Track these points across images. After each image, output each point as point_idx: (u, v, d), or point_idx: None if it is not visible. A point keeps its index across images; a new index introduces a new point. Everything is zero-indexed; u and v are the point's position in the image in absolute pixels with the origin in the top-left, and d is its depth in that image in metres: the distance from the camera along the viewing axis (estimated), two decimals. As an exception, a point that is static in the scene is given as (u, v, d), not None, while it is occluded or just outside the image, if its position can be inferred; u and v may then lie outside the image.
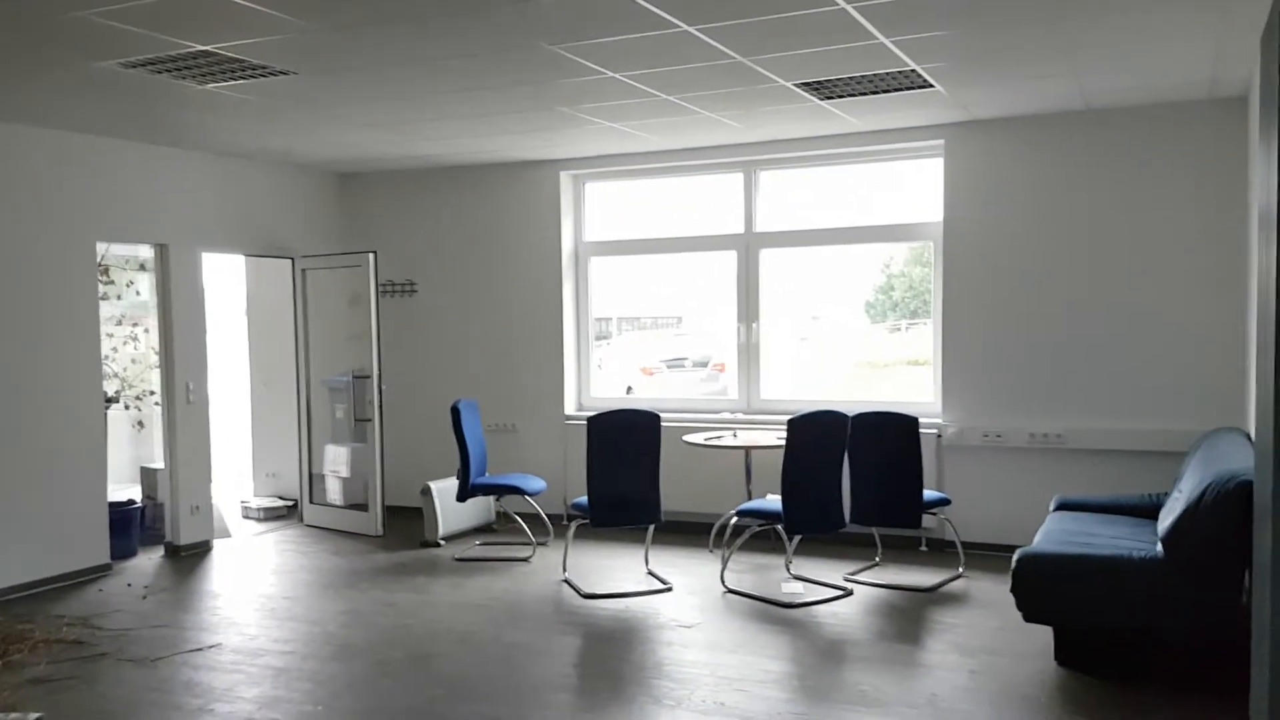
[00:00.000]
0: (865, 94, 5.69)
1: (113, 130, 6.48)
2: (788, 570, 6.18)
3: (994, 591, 5.79)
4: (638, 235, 8.05)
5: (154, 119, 6.13)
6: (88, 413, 6.62)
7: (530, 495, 6.92)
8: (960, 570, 6.20)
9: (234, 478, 9.13)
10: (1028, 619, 4.57)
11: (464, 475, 6.89)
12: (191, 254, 7.31)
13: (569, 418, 7.94)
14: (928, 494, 6.07)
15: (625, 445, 5.86)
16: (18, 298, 6.19)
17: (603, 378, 8.34)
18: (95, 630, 5.44)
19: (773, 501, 5.89)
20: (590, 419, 5.86)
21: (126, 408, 8.08)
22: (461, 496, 6.93)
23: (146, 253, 7.60)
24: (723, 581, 6.02)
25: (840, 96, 5.73)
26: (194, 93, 5.35)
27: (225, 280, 8.90)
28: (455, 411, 6.92)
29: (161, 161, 7.07)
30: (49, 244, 6.37)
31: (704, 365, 12.18)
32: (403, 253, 8.46)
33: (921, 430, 5.94)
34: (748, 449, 6.55)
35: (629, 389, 8.67)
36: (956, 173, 6.74)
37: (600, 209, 8.18)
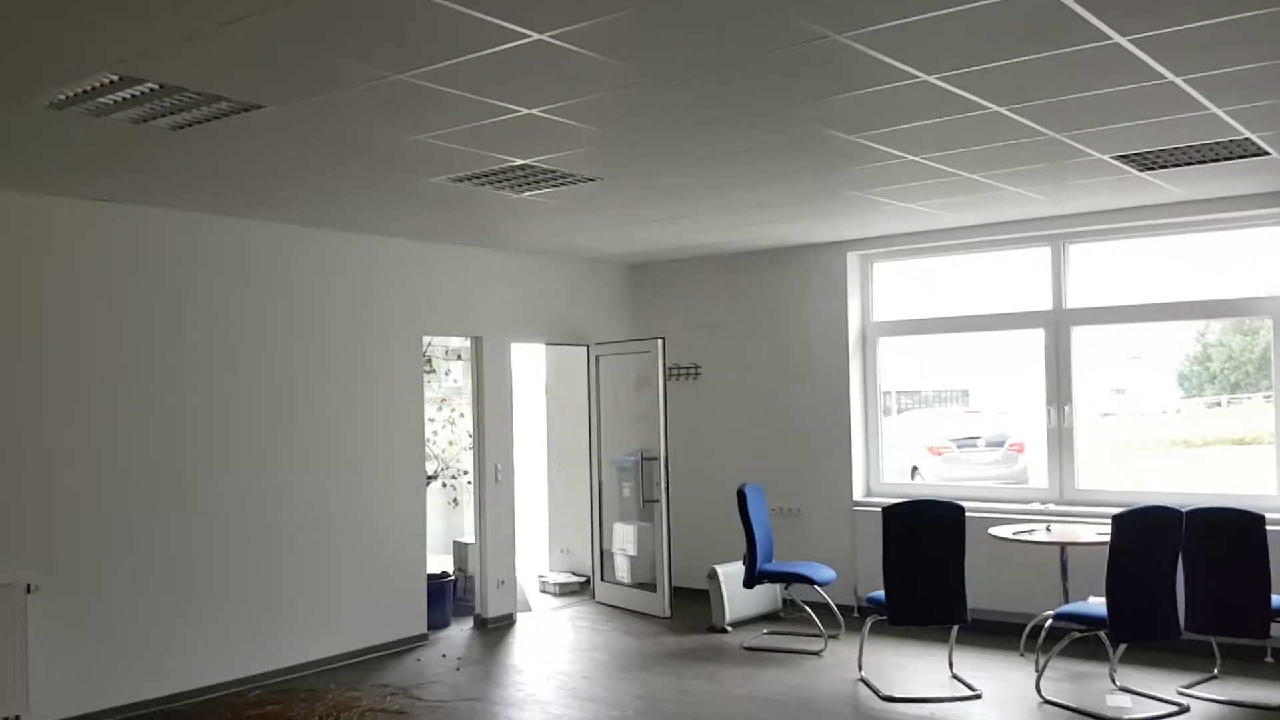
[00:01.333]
0: (1190, 164, 5.23)
1: (436, 235, 7.12)
2: (1112, 681, 5.61)
3: (1372, 722, 4.98)
4: (932, 314, 7.78)
5: (474, 224, 6.68)
6: (410, 491, 7.19)
7: (820, 585, 6.75)
8: (1323, 692, 5.39)
9: (533, 553, 9.58)
10: None
11: (750, 561, 6.85)
12: (502, 343, 7.84)
13: (857, 503, 7.72)
14: (1276, 599, 5.34)
15: (926, 538, 5.60)
16: (354, 386, 6.87)
17: (885, 457, 8.06)
18: (415, 700, 5.82)
19: (1095, 605, 5.40)
20: (887, 509, 5.65)
21: (444, 486, 8.71)
22: (749, 583, 6.87)
23: (461, 343, 8.22)
24: (1039, 691, 5.55)
25: (1163, 167, 5.30)
26: (510, 201, 5.77)
27: (528, 367, 9.47)
28: (741, 495, 6.91)
29: (476, 261, 7.68)
30: (382, 337, 7.04)
31: (999, 445, 11.30)
32: (688, 337, 8.65)
33: (1268, 526, 5.26)
34: (1064, 545, 6.07)
35: (914, 470, 8.33)
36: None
37: (890, 287, 8.00)
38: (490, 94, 3.80)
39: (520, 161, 4.85)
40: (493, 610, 7.66)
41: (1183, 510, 5.26)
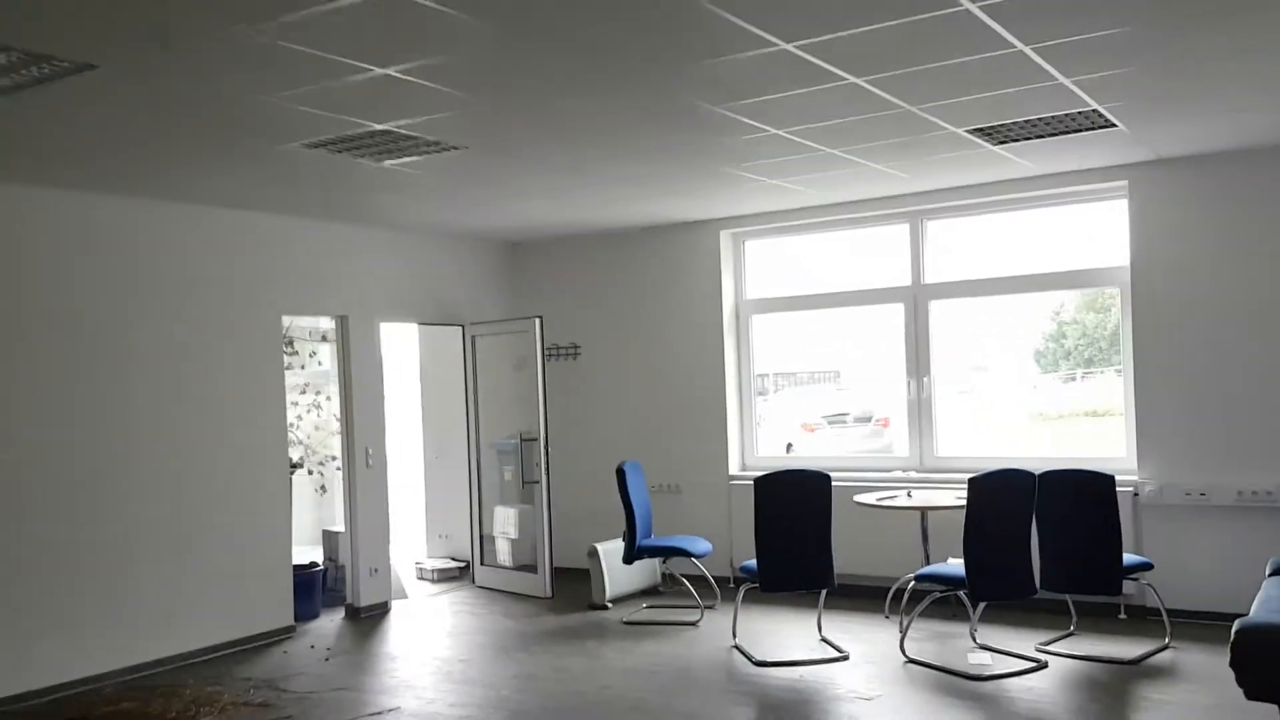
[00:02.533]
0: (1041, 137, 5.44)
1: (295, 209, 6.87)
2: (973, 639, 5.83)
3: (1207, 664, 5.29)
4: (800, 291, 7.92)
5: (334, 197, 6.47)
6: (273, 479, 6.94)
7: (696, 557, 6.81)
8: (1167, 641, 5.70)
9: (409, 540, 9.39)
10: (1250, 697, 4.12)
11: (630, 537, 6.86)
12: (369, 324, 7.63)
13: (733, 478, 7.82)
14: (1127, 558, 5.63)
15: (795, 507, 5.70)
16: (209, 370, 6.58)
17: (761, 435, 8.19)
18: (280, 693, 5.63)
19: (954, 566, 5.59)
20: (758, 480, 5.73)
21: (310, 473, 8.45)
22: (628, 559, 6.89)
23: (327, 324, 7.97)
24: (903, 650, 5.73)
25: (1014, 140, 5.50)
26: (371, 171, 5.60)
27: (400, 348, 9.26)
28: (620, 473, 6.91)
29: (341, 237, 7.45)
30: (237, 319, 6.76)
31: (867, 421, 11.82)
32: (567, 317, 8.60)
33: (1118, 487, 5.53)
34: (924, 510, 6.26)
35: (789, 446, 8.50)
36: (1144, 214, 6.35)
37: (761, 266, 8.12)
38: (339, 51, 3.66)
39: (378, 127, 4.70)
40: (365, 599, 7.47)
41: (1035, 473, 5.48)
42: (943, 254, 7.32)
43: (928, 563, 6.26)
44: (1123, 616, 6.23)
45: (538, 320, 7.87)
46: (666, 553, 6.87)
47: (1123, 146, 5.81)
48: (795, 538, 5.68)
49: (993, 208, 7.02)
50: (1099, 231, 6.78)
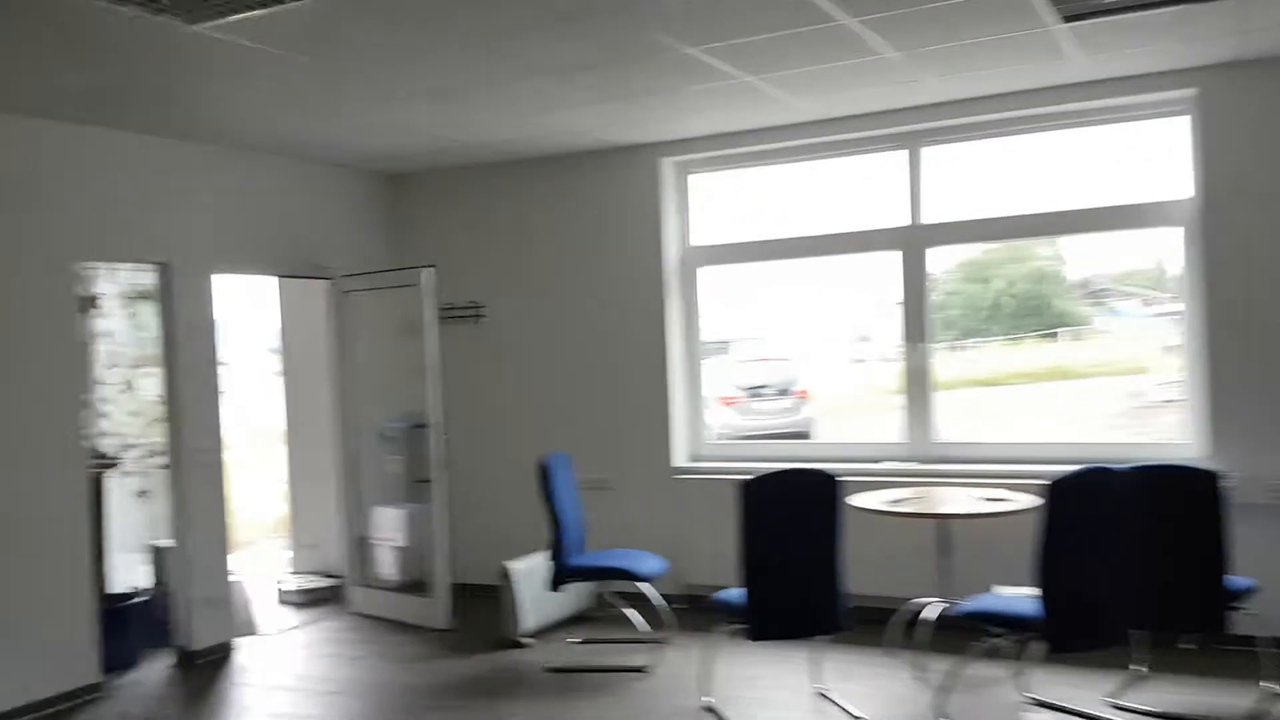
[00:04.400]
0: (1131, 9, 3.93)
1: (87, 111, 4.93)
2: (1022, 694, 4.36)
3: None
4: (765, 236, 6.30)
5: (141, 92, 4.57)
6: (69, 483, 5.05)
7: (643, 581, 5.18)
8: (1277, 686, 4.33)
9: (267, 552, 7.54)
10: None
11: (558, 556, 5.19)
12: (200, 277, 5.74)
13: (679, 470, 6.21)
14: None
15: (797, 521, 4.12)
16: (-35, 337, 4.64)
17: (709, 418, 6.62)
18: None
19: (1009, 598, 4.09)
20: (747, 485, 4.11)
21: (126, 474, 6.49)
22: (556, 583, 5.21)
23: (148, 277, 6.03)
24: (940, 716, 4.22)
25: (1092, 15, 3.98)
26: (183, 40, 3.76)
27: (250, 309, 7.34)
28: (544, 471, 5.23)
29: (161, 156, 5.52)
30: (15, 267, 4.82)
31: (786, 393, 10.66)
32: (466, 269, 6.82)
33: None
34: (946, 518, 4.77)
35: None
36: (1221, 133, 4.94)
37: (712, 204, 6.48)
38: None
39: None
40: (201, 639, 5.63)
41: (1124, 470, 4.00)
42: (942, 189, 5.81)
43: (945, 580, 4.79)
44: (1188, 645, 4.85)
45: (428, 271, 6.09)
46: (608, 575, 5.22)
47: (1200, 40, 4.39)
48: (799, 564, 4.10)
49: (1012, 128, 5.53)
50: (1149, 160, 5.37)
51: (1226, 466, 4.77)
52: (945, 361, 7.67)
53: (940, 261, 6.03)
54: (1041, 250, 8.41)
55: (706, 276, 6.40)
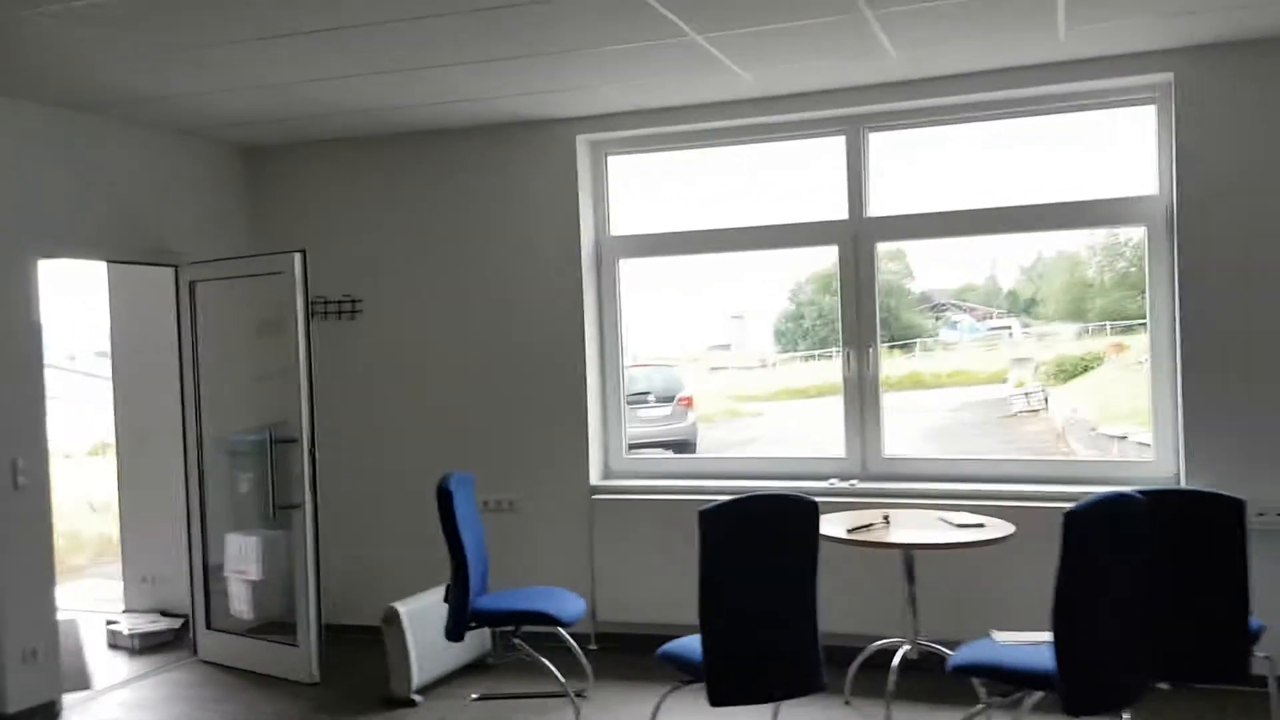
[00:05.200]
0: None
1: None
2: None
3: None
4: (686, 227, 5.63)
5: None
6: None
7: (566, 626, 4.40)
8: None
9: (98, 586, 6.40)
10: None
11: (459, 595, 4.35)
12: (20, 262, 4.66)
13: (596, 489, 5.47)
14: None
15: (767, 557, 3.43)
16: None
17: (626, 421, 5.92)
18: None
19: (1009, 645, 3.53)
20: (708, 514, 3.38)
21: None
22: (456, 632, 4.36)
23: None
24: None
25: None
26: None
27: (77, 301, 6.20)
28: (445, 494, 4.38)
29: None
30: None
31: (670, 400, 10.29)
32: (340, 258, 5.89)
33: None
34: (910, 549, 4.19)
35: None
36: (1192, 124, 4.55)
37: (630, 190, 5.76)
38: None
39: None
40: (17, 699, 4.55)
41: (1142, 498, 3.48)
42: (889, 177, 5.28)
43: (915, 616, 4.22)
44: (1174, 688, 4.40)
45: (297, 257, 5.14)
46: (521, 619, 4.40)
47: (1184, 15, 3.98)
48: (771, 611, 3.41)
49: (963, 114, 5.03)
50: (1113, 153, 4.97)
51: (1201, 488, 4.37)
52: (804, 371, 7.88)
53: (801, 270, 5.65)
54: (890, 265, 8.36)
55: (629, 269, 5.68)
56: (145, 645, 5.74)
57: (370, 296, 5.88)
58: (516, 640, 4.47)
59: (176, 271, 5.59)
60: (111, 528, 6.68)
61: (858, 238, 5.21)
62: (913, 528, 4.28)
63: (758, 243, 5.49)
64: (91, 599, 6.62)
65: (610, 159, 5.65)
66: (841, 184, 5.23)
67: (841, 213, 5.24)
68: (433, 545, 4.47)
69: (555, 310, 5.52)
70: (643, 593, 5.16)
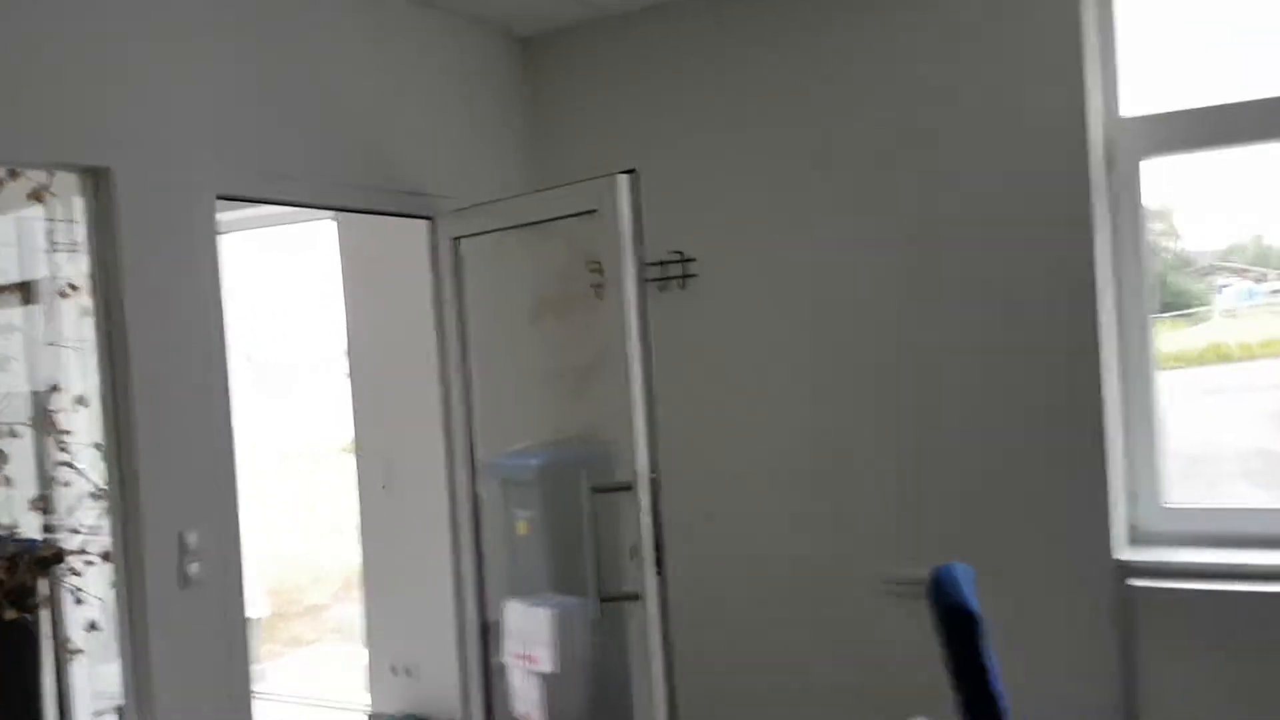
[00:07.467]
0: None
1: None
2: None
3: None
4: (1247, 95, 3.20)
5: None
6: None
7: None
8: None
9: (328, 680, 4.83)
10: None
11: None
12: (191, 199, 2.88)
13: (1125, 568, 3.16)
14: None
15: None
16: None
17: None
18: None
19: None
20: None
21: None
22: None
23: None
24: None
25: None
26: None
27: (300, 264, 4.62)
28: (967, 619, 2.20)
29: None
30: None
31: None
32: (660, 200, 3.77)
33: None
34: None
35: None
36: None
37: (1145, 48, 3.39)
38: None
39: None
40: None
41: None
42: None
43: None
44: None
45: (623, 181, 3.07)
46: None
47: None
48: None
49: None
50: None
51: None
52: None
53: None
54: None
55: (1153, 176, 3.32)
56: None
57: (710, 255, 3.78)
58: None
59: (433, 224, 3.70)
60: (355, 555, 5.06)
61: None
62: None
63: None
64: (329, 687, 5.00)
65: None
66: None
67: None
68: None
69: (1041, 251, 3.24)
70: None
